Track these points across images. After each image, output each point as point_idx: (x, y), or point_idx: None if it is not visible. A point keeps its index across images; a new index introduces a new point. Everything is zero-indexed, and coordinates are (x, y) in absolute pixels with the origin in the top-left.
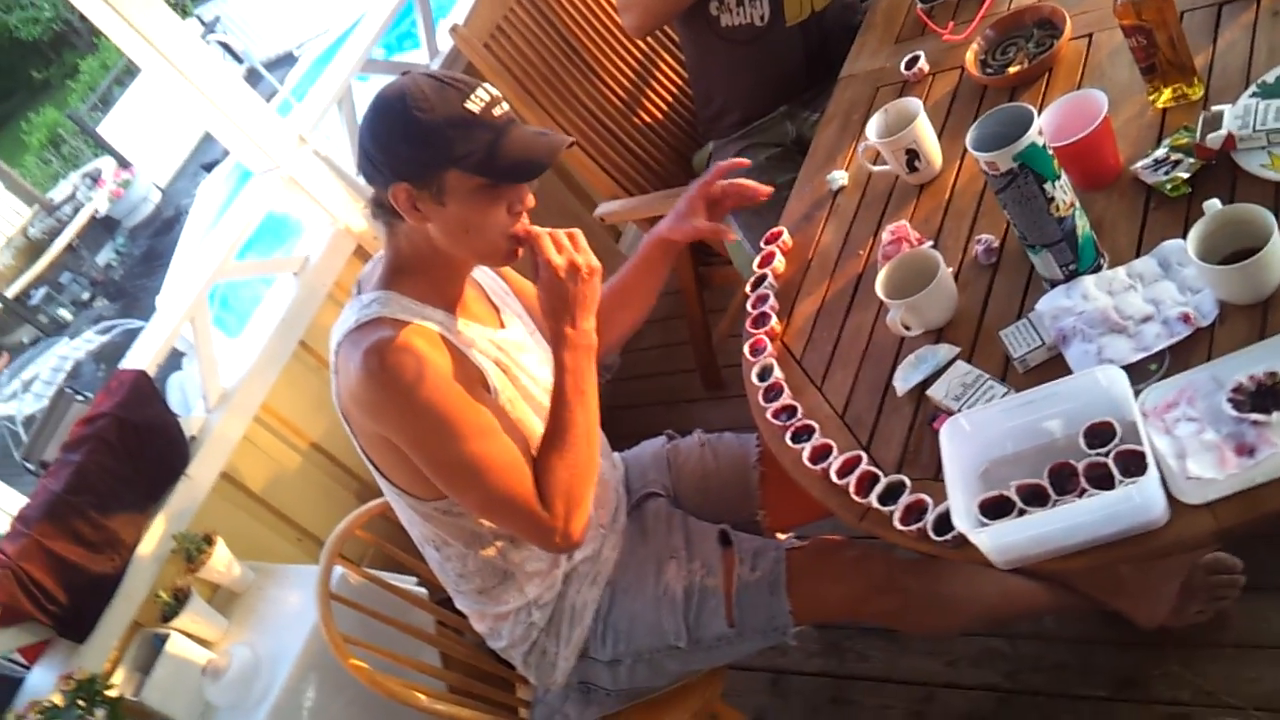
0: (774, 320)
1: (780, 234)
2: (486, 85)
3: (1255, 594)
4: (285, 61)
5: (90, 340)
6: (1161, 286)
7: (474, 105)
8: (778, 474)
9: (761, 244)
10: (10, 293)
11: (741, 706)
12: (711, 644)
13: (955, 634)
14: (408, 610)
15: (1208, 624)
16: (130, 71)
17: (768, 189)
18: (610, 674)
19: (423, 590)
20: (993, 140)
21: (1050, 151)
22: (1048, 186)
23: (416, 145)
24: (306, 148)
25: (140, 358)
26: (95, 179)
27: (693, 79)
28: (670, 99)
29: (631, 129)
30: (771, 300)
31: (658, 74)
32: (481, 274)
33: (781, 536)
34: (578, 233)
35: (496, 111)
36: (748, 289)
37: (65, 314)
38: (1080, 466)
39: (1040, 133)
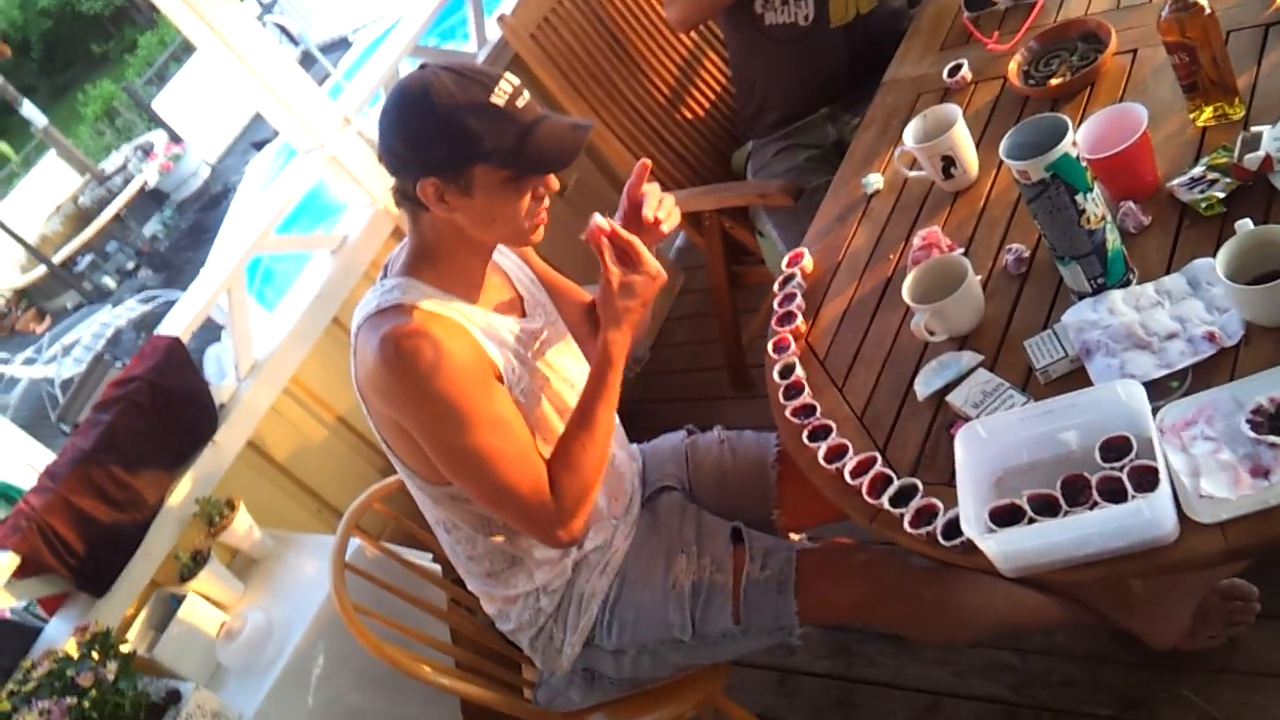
0: (799, 319)
1: (801, 256)
2: (508, 76)
3: (1271, 622)
4: (340, 46)
5: (132, 309)
6: (1189, 304)
7: (498, 99)
8: (795, 474)
9: (783, 266)
10: (57, 258)
11: (747, 704)
12: (716, 640)
13: (966, 644)
14: (421, 585)
15: (1220, 649)
16: (187, 48)
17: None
18: (614, 662)
19: (437, 567)
20: (1027, 149)
21: (1084, 163)
22: (1079, 198)
23: (444, 141)
24: (350, 129)
25: (175, 325)
26: (147, 152)
27: (735, 76)
28: (713, 97)
29: (672, 124)
30: (798, 299)
31: (702, 71)
32: (508, 261)
33: (795, 537)
34: (637, 242)
35: (520, 103)
36: (775, 287)
37: (109, 282)
38: (1094, 479)
39: (1075, 144)
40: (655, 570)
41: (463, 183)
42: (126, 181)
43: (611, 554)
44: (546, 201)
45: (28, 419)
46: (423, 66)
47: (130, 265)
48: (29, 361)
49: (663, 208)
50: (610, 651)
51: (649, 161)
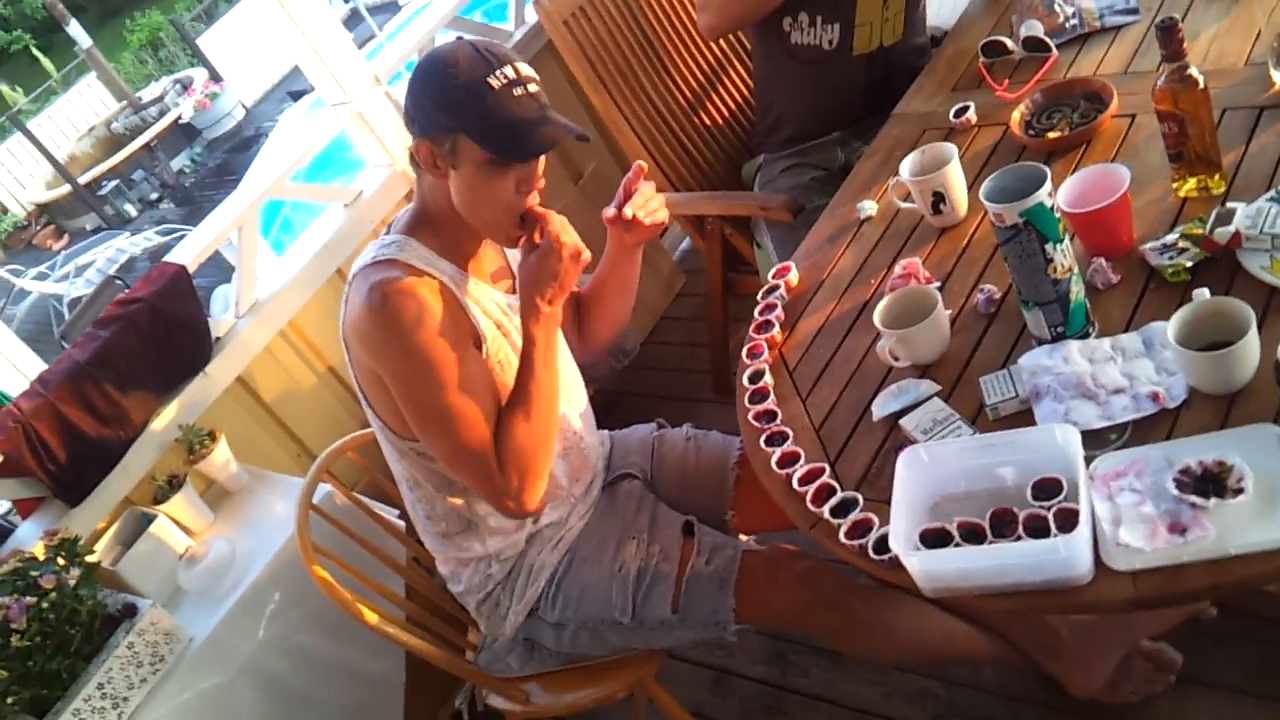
0: (776, 329)
1: (788, 269)
2: (520, 64)
3: (1189, 687)
4: (389, 8)
5: (149, 239)
6: (1140, 363)
7: (495, 81)
8: (753, 479)
9: (769, 277)
10: (83, 179)
11: (681, 698)
12: (653, 625)
13: (892, 664)
14: (384, 539)
15: (1137, 706)
16: None
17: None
18: (555, 635)
19: (402, 523)
20: (1006, 194)
21: (1058, 215)
22: (1049, 247)
23: (437, 105)
24: (379, 89)
25: (184, 254)
26: (185, 87)
27: (756, 89)
28: (733, 107)
29: (690, 128)
30: (778, 310)
31: (726, 80)
32: None
33: (745, 539)
34: (564, 220)
35: (516, 91)
36: (759, 296)
37: (131, 209)
38: (1021, 515)
39: (1051, 195)
40: (605, 552)
41: (449, 149)
42: (161, 113)
43: (565, 531)
44: (534, 199)
45: (32, 333)
46: (460, 38)
47: (154, 196)
48: (41, 276)
49: (645, 207)
50: (552, 624)
51: (644, 165)
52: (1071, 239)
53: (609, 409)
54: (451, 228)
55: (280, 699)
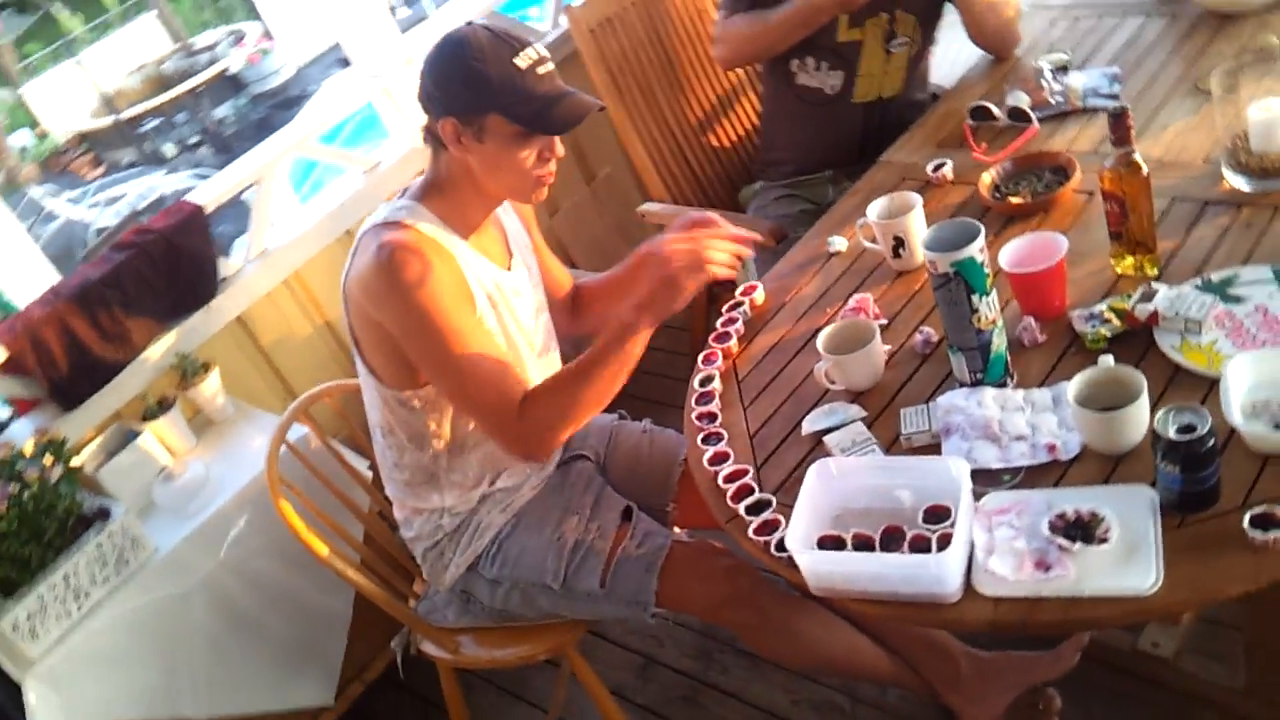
0: (734, 341)
1: (755, 289)
2: (536, 45)
3: None
4: None
5: (182, 181)
6: (1045, 417)
7: (522, 62)
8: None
9: (738, 294)
10: (127, 114)
11: (606, 677)
12: (580, 595)
13: (799, 669)
14: (352, 488)
15: None
16: None
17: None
18: (490, 591)
19: (370, 475)
20: (943, 244)
21: (987, 270)
22: (975, 298)
23: (468, 88)
24: (411, 68)
25: (203, 195)
26: (239, 39)
27: (763, 122)
28: (740, 134)
29: (697, 147)
30: (739, 324)
31: (737, 108)
32: (512, 222)
33: (679, 531)
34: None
35: (541, 70)
36: (723, 309)
37: (169, 150)
38: (910, 534)
39: (982, 251)
40: (548, 521)
41: (477, 128)
42: (211, 61)
43: (517, 496)
44: (552, 166)
45: (54, 255)
46: (469, 23)
47: (193, 140)
48: (73, 202)
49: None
50: (489, 580)
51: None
52: (1007, 302)
53: None
54: (460, 200)
55: (230, 618)
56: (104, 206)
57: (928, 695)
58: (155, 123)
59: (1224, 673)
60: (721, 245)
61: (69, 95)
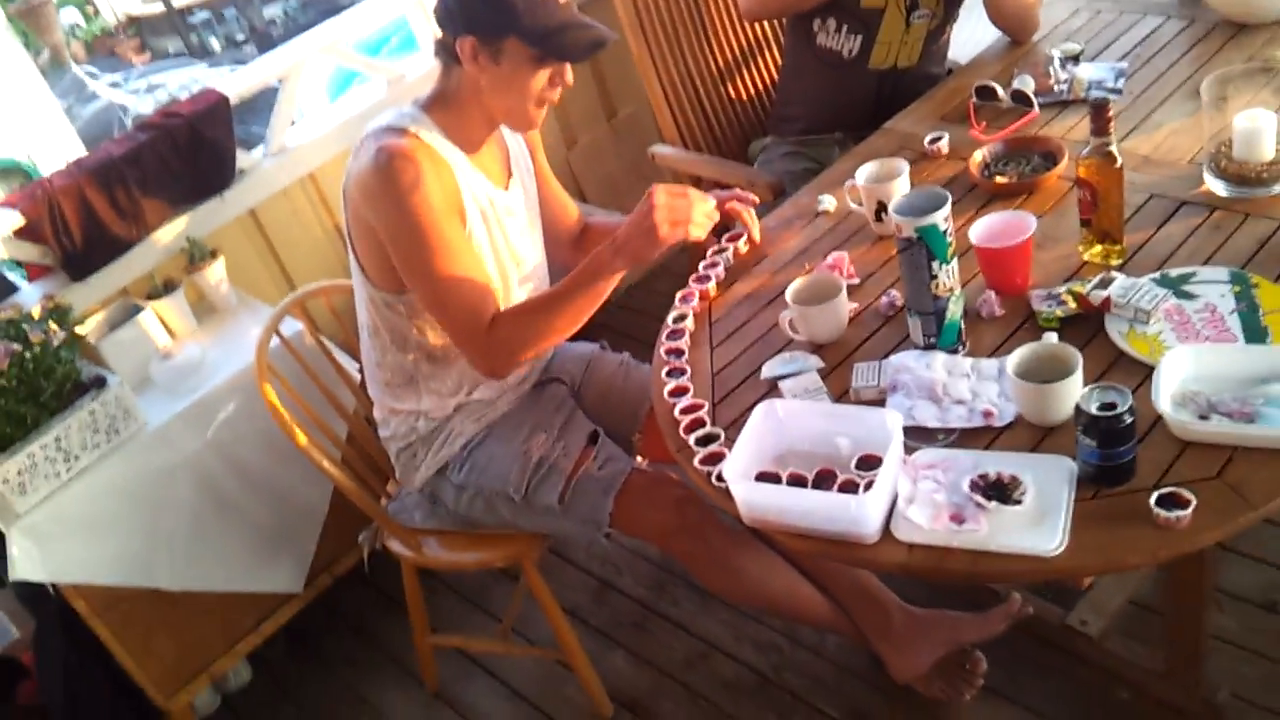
0: (713, 284)
1: (740, 237)
2: None
3: (993, 699)
4: None
5: (223, 76)
6: (988, 385)
7: None
8: None
9: (723, 240)
10: (178, 3)
11: (563, 598)
12: (539, 509)
13: (739, 603)
14: (340, 387)
15: (943, 702)
16: None
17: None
18: (455, 496)
19: (359, 377)
20: (911, 210)
21: (949, 239)
22: (935, 265)
23: (490, 8)
24: None
25: (231, 86)
26: None
27: (781, 77)
28: (757, 88)
29: (714, 95)
30: (720, 269)
31: (758, 62)
32: (515, 145)
33: (641, 460)
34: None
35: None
36: (708, 253)
37: (215, 44)
38: (841, 478)
39: (947, 220)
40: (518, 435)
41: (494, 49)
42: None
43: (490, 409)
44: (557, 94)
45: (91, 137)
46: None
47: (240, 37)
48: (114, 85)
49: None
50: (455, 485)
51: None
52: (974, 275)
53: (584, 331)
54: (466, 115)
55: (212, 499)
56: (144, 94)
57: (861, 643)
58: (205, 16)
59: (1146, 655)
60: (709, 212)
61: None
